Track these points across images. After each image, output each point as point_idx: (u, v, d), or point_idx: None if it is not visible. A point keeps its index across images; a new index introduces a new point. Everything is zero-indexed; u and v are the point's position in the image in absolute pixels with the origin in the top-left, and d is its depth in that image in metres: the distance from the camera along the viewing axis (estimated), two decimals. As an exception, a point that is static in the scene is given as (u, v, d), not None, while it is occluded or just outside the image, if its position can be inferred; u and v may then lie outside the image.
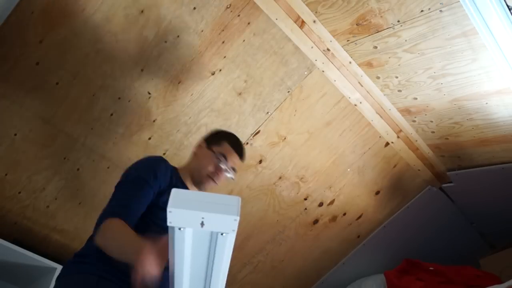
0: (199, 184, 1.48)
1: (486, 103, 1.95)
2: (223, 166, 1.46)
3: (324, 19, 1.81)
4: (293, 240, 2.60)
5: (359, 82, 2.07)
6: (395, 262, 2.73)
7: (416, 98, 2.08)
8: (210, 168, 1.46)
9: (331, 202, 2.53)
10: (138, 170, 1.34)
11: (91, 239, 1.29)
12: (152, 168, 1.34)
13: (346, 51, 1.95)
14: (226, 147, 1.50)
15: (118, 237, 1.12)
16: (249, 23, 1.79)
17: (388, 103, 2.17)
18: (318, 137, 2.22)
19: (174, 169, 1.46)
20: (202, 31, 1.75)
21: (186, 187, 1.46)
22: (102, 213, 1.23)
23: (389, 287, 2.59)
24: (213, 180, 1.47)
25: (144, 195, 1.27)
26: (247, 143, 2.11)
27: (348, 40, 1.88)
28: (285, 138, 2.17)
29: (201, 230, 0.82)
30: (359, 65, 2.00)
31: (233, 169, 1.50)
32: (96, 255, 1.21)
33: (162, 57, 1.76)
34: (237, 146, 1.53)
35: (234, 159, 1.50)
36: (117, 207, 1.23)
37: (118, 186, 1.32)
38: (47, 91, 1.70)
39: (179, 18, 1.69)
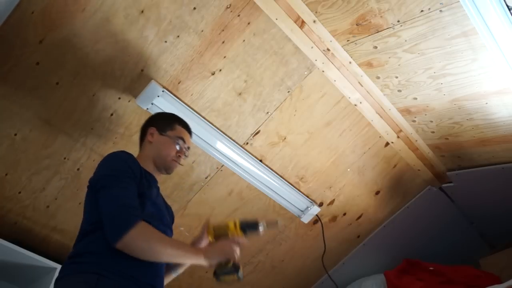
0: (166, 169, 1.53)
1: (486, 103, 1.95)
2: (184, 146, 1.56)
3: (324, 19, 1.81)
4: (293, 240, 2.60)
5: (359, 82, 2.07)
6: (395, 262, 2.73)
7: (416, 98, 2.08)
8: (173, 153, 1.52)
9: (331, 202, 2.53)
10: (115, 170, 1.33)
11: (83, 238, 1.28)
12: (124, 161, 1.37)
13: (346, 51, 1.95)
14: (179, 129, 1.57)
15: (160, 240, 1.24)
16: (249, 23, 1.79)
17: (388, 103, 2.18)
18: (318, 137, 2.23)
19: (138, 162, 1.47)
20: (202, 31, 1.75)
21: (152, 176, 1.48)
22: (122, 217, 1.21)
23: (389, 287, 2.59)
24: (178, 162, 1.55)
25: (135, 190, 1.31)
26: (247, 143, 2.11)
27: (348, 40, 1.89)
28: (285, 138, 2.17)
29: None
30: (359, 65, 2.00)
31: (188, 148, 1.59)
32: (92, 254, 1.21)
33: (162, 57, 1.76)
34: (187, 126, 1.62)
35: (188, 139, 1.59)
36: (130, 209, 1.23)
37: (107, 189, 1.28)
38: (47, 91, 1.70)
39: (179, 18, 1.70)
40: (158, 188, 1.50)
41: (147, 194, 1.36)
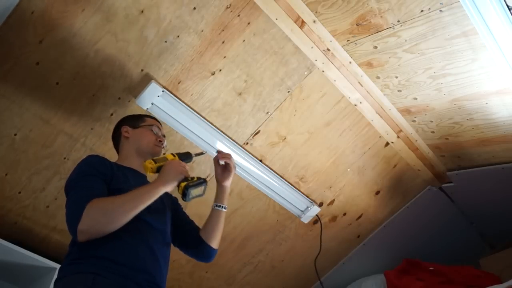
0: (152, 156, 1.55)
1: (486, 103, 1.95)
2: (159, 133, 1.61)
3: (324, 19, 1.81)
4: (293, 240, 2.60)
5: (359, 82, 2.07)
6: (395, 262, 2.73)
7: (416, 98, 2.08)
8: (153, 139, 1.57)
9: (331, 202, 2.53)
10: (79, 173, 1.36)
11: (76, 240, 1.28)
12: (89, 164, 1.39)
13: (346, 51, 1.95)
14: (150, 120, 1.63)
15: (110, 205, 1.22)
16: (249, 23, 1.79)
17: (388, 103, 2.18)
18: (318, 137, 2.23)
19: (112, 162, 1.48)
20: (202, 31, 1.75)
21: (133, 171, 1.49)
22: (72, 212, 1.25)
23: (389, 287, 2.59)
24: (160, 147, 1.58)
25: (99, 185, 1.32)
26: (247, 143, 2.11)
27: (348, 40, 1.89)
28: (285, 138, 2.17)
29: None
30: (359, 65, 2.00)
31: (164, 136, 1.64)
32: (88, 254, 1.21)
33: (162, 57, 1.76)
34: (155, 118, 1.69)
35: (160, 127, 1.65)
36: (85, 197, 1.24)
37: (71, 193, 1.33)
38: (47, 91, 1.70)
39: (179, 18, 1.70)
40: (142, 180, 1.50)
41: (124, 187, 1.35)
